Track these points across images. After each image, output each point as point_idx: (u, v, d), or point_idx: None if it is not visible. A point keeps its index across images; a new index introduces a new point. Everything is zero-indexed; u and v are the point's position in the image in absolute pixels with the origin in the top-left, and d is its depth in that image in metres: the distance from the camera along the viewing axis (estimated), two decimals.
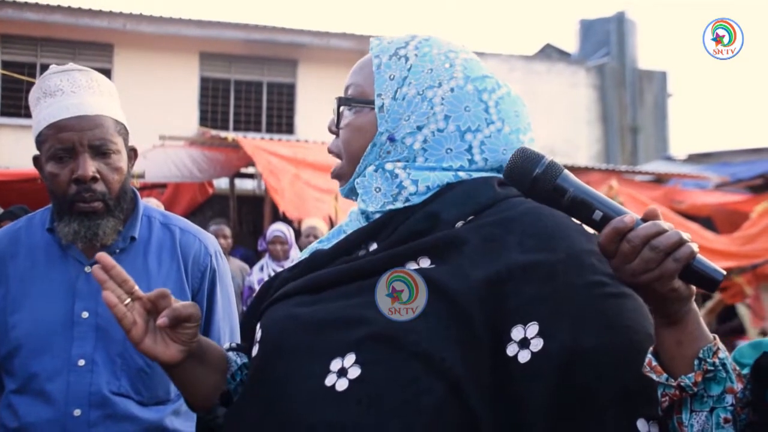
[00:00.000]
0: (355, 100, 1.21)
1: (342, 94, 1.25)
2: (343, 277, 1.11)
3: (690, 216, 9.57)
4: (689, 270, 0.91)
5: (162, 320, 1.16)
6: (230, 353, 1.31)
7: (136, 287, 1.21)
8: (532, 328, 0.98)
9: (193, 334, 1.20)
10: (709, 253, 7.74)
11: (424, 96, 1.16)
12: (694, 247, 0.90)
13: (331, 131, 1.26)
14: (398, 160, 1.17)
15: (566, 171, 1.00)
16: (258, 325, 1.19)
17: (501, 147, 1.16)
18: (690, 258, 0.90)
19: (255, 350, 1.16)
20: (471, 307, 1.00)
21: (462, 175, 1.15)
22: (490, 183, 1.13)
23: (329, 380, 1.01)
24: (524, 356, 0.97)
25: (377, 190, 1.17)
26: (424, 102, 1.16)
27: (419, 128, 1.15)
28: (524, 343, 0.98)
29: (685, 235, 0.91)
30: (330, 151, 1.27)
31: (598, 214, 0.96)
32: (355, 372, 1.00)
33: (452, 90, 1.16)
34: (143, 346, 1.18)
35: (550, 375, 0.96)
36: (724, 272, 0.93)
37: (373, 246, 1.15)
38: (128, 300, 1.19)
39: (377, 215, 1.16)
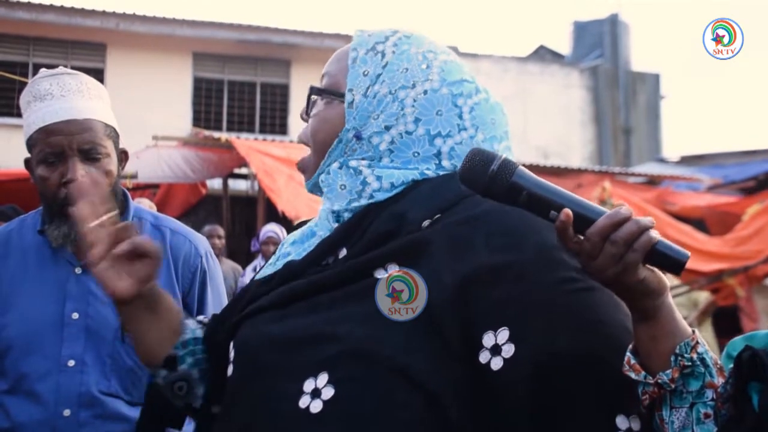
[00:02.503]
0: (327, 92, 1.17)
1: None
2: (312, 289, 1.07)
3: (682, 218, 9.61)
4: (653, 253, 0.88)
5: (122, 248, 1.10)
6: (189, 321, 1.25)
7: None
8: (503, 334, 0.95)
9: (149, 274, 1.13)
10: (701, 255, 7.79)
11: (395, 96, 1.12)
12: (654, 233, 0.88)
13: (302, 118, 1.22)
14: (363, 159, 1.13)
15: (521, 167, 0.96)
16: (231, 344, 1.14)
17: None
18: (650, 244, 0.88)
19: (230, 370, 1.12)
20: (442, 314, 0.97)
21: (428, 173, 1.11)
22: (457, 179, 1.06)
23: (303, 402, 0.98)
24: (496, 363, 0.94)
25: (342, 187, 1.13)
26: (395, 102, 1.12)
27: (387, 128, 1.11)
28: (496, 350, 0.95)
29: (643, 221, 0.88)
30: (299, 140, 1.23)
31: (553, 215, 0.93)
32: (328, 393, 0.97)
33: (425, 92, 1.12)
34: (98, 270, 1.11)
35: (524, 381, 0.93)
36: (689, 253, 0.90)
37: (343, 252, 1.10)
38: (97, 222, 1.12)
39: (347, 214, 1.13)
